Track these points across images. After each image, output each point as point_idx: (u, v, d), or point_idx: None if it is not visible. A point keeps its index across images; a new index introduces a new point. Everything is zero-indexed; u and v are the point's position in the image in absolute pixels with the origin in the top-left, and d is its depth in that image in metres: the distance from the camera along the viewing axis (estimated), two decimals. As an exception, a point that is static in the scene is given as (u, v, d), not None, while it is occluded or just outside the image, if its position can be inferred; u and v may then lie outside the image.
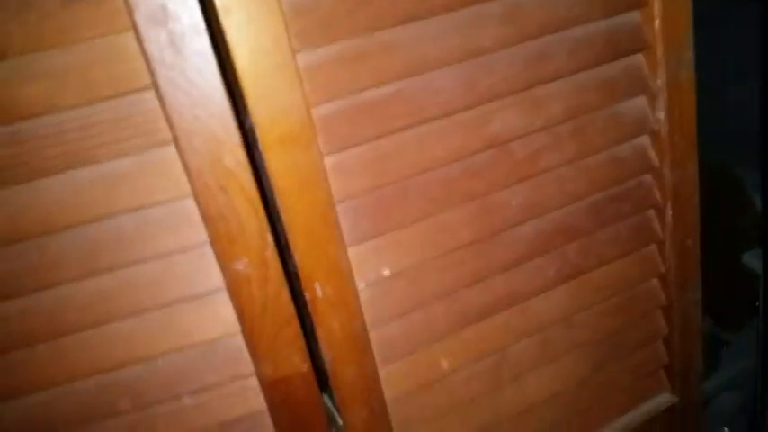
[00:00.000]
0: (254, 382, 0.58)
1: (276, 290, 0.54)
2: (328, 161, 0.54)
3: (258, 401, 0.59)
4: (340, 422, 0.60)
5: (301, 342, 0.56)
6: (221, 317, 0.55)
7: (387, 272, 0.59)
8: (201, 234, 0.52)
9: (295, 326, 0.55)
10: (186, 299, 0.54)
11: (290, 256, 0.55)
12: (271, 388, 0.58)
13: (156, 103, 0.48)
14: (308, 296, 0.55)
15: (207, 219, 0.51)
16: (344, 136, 0.54)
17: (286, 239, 0.55)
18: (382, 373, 0.61)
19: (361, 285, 0.58)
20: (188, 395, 0.57)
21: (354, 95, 0.54)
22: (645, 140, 0.71)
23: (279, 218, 0.54)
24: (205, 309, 0.55)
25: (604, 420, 0.80)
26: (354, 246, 0.57)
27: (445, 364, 0.65)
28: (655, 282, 0.78)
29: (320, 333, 0.56)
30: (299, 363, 0.57)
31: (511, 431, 0.72)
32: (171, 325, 0.55)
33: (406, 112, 0.56)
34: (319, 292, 0.55)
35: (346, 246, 0.56)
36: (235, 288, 0.54)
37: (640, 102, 0.69)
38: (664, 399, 0.85)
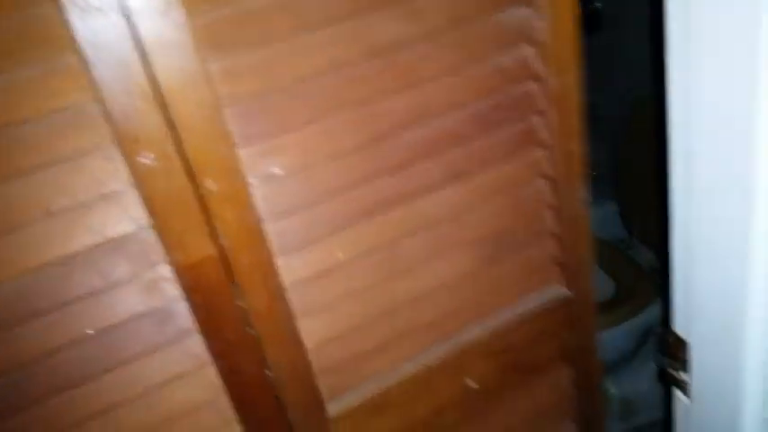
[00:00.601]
0: (168, 270, 0.65)
1: (180, 181, 0.60)
2: (213, 65, 0.59)
3: (174, 289, 0.65)
4: (243, 306, 0.68)
5: (206, 229, 0.63)
6: (131, 211, 0.61)
7: (278, 171, 0.66)
8: (107, 134, 0.57)
9: (199, 214, 0.62)
10: (97, 197, 0.59)
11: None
12: (184, 274, 0.65)
13: (57, 11, 0.52)
14: (201, 190, 0.61)
15: (110, 119, 0.56)
16: (227, 42, 0.59)
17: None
18: (280, 263, 0.69)
19: (253, 182, 0.64)
20: (107, 290, 0.63)
21: (235, 4, 0.58)
22: (528, 49, 0.77)
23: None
24: (115, 205, 0.60)
25: (501, 308, 0.90)
26: (245, 146, 0.63)
27: (341, 256, 0.73)
28: (543, 183, 0.85)
29: (216, 223, 0.63)
30: (206, 248, 0.64)
31: (407, 316, 0.81)
32: (84, 224, 0.60)
33: (287, 20, 0.61)
34: (212, 187, 0.61)
35: (236, 145, 0.62)
36: (142, 182, 0.59)
37: (523, 11, 0.74)
38: (558, 291, 0.94)
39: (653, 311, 1.63)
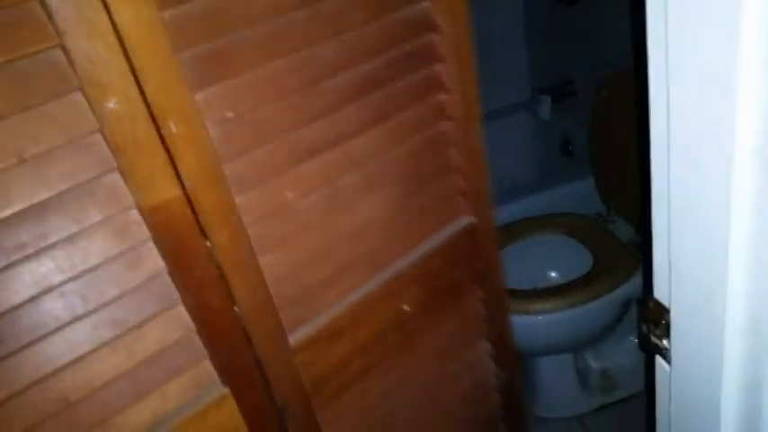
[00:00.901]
0: (136, 213, 0.67)
1: (143, 125, 0.64)
2: (165, 14, 0.63)
3: (142, 231, 0.68)
4: (208, 244, 0.72)
5: (171, 170, 0.66)
6: (100, 156, 0.63)
7: (230, 114, 0.71)
8: (72, 80, 0.59)
9: (163, 156, 0.66)
10: (65, 143, 0.61)
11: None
12: (151, 215, 0.67)
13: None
14: (164, 132, 0.65)
15: (76, 66, 0.58)
16: (176, -6, 0.64)
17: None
18: (238, 201, 0.74)
19: (209, 125, 0.69)
20: (79, 236, 0.64)
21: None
22: (427, 4, 0.89)
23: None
24: (83, 150, 0.62)
25: (420, 238, 1.01)
26: (199, 90, 0.68)
27: (289, 194, 0.80)
28: (446, 123, 0.98)
29: (179, 165, 0.67)
30: (171, 188, 0.67)
31: (347, 250, 0.90)
32: (54, 170, 0.61)
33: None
34: (173, 129, 0.65)
35: (191, 89, 0.67)
36: (107, 127, 0.62)
37: (419, -30, 0.86)
38: (465, 220, 1.08)
39: (633, 285, 1.63)
